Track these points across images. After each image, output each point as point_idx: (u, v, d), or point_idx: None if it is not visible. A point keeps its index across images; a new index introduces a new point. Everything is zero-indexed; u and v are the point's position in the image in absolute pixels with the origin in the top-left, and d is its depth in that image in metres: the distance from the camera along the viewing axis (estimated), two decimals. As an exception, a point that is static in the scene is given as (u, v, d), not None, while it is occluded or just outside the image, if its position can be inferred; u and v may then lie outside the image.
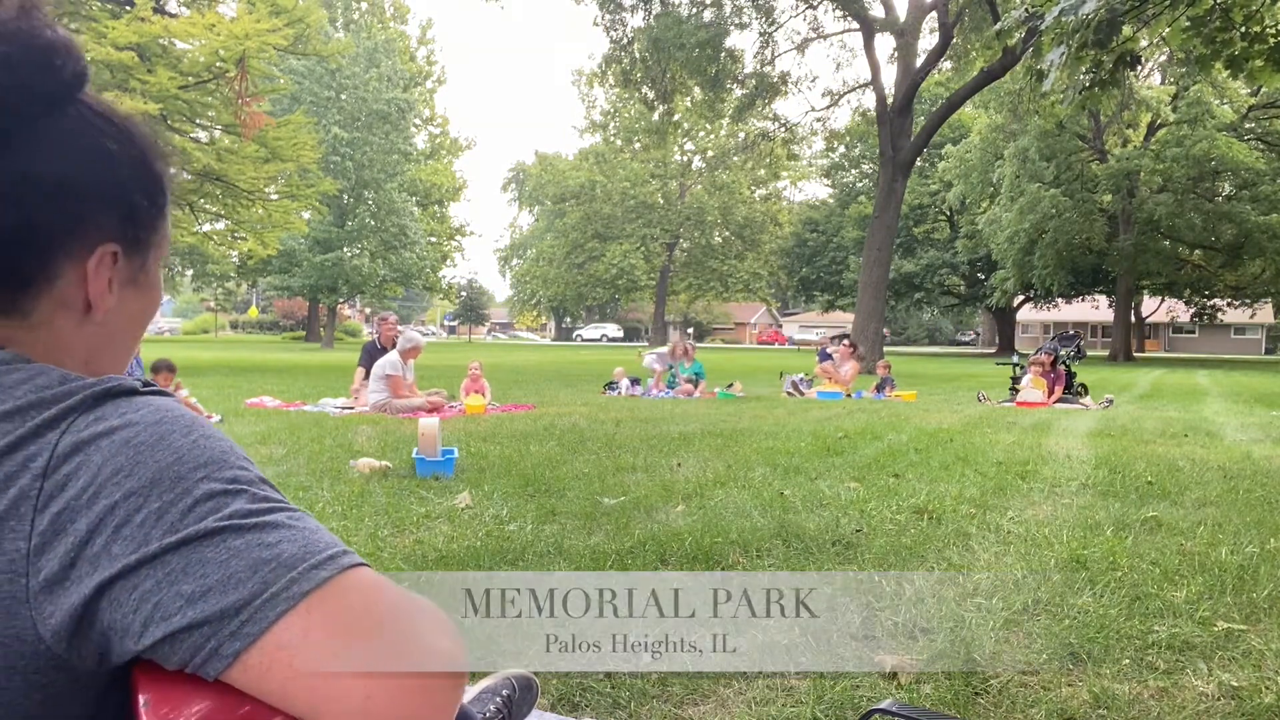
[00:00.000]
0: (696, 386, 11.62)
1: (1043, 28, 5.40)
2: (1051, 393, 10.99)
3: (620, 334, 70.01)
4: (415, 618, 0.59)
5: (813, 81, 57.92)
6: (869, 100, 25.87)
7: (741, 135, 33.50)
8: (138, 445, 0.59)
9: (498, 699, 1.72)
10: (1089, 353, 22.31)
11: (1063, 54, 5.24)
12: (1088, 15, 4.96)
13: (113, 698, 0.60)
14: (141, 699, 0.57)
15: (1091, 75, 5.71)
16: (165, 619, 0.54)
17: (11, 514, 0.56)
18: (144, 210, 0.73)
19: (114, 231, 0.71)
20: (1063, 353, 11.73)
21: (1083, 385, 11.65)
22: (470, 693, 1.78)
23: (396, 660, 0.56)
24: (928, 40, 23.84)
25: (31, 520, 0.56)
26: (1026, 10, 5.79)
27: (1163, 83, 31.72)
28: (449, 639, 0.60)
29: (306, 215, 23.28)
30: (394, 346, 8.98)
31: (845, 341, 13.52)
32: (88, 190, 0.69)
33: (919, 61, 23.13)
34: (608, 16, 23.88)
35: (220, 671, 0.55)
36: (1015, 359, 13.03)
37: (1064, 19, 5.09)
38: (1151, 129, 32.66)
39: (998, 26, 6.46)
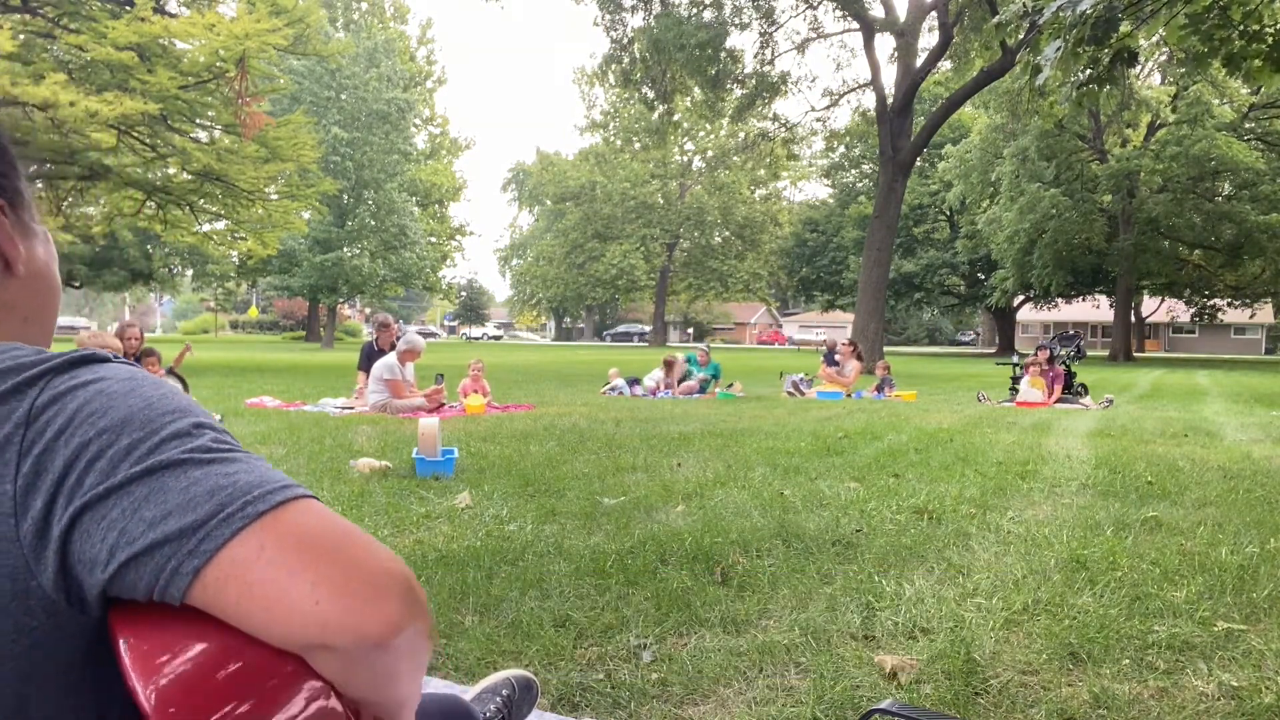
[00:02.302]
0: (706, 390, 11.68)
1: (1040, 23, 5.41)
2: (1051, 392, 10.99)
3: (499, 332, 74.15)
4: (365, 540, 0.62)
5: (813, 81, 57.97)
6: (869, 100, 25.89)
7: (741, 135, 33.52)
8: (111, 393, 0.62)
9: (498, 699, 1.73)
10: (1089, 353, 22.32)
11: (1059, 49, 5.24)
12: (1084, 11, 4.96)
13: (104, 655, 0.61)
14: (121, 643, 0.57)
15: (1089, 72, 5.70)
16: (129, 543, 0.57)
17: None
18: (3, 166, 0.74)
19: None
20: (1061, 352, 11.73)
21: (1083, 385, 11.65)
22: (470, 692, 1.78)
23: (348, 570, 0.58)
24: (928, 40, 23.86)
25: (17, 465, 0.58)
26: (1025, 6, 5.79)
27: (1162, 83, 31.72)
28: (397, 564, 0.62)
29: (306, 215, 23.27)
30: (393, 348, 8.96)
31: (847, 341, 13.54)
32: None
33: (919, 61, 23.14)
34: (608, 16, 23.90)
35: (183, 589, 0.57)
36: (1015, 359, 13.03)
37: (1061, 15, 5.09)
38: (1151, 129, 32.66)
39: (996, 20, 6.46)
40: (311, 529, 0.59)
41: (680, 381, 11.67)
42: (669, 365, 11.70)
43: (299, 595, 0.56)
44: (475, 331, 74.57)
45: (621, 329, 71.05)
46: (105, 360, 0.67)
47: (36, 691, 0.59)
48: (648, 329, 71.25)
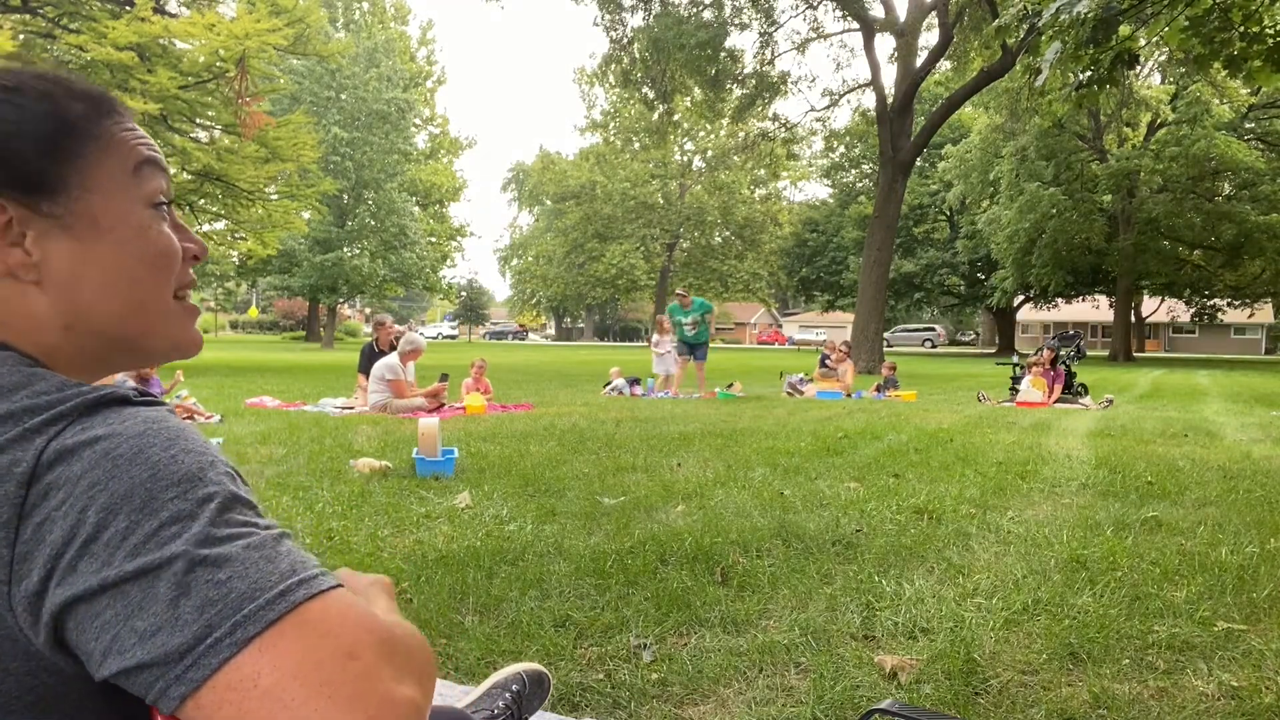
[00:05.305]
0: (704, 321, 11.99)
1: (1040, 24, 5.41)
2: (1051, 392, 10.99)
3: (454, 333, 72.16)
4: (376, 656, 0.56)
5: (813, 81, 57.81)
6: (869, 100, 25.86)
7: (741, 135, 33.46)
8: (115, 458, 0.58)
9: (507, 695, 1.73)
10: (1089, 353, 22.30)
11: (1058, 52, 5.25)
12: (1082, 13, 4.96)
13: (114, 704, 0.60)
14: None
15: (1090, 74, 5.71)
16: (120, 653, 0.54)
17: None
18: (28, 154, 0.67)
19: None
20: (1063, 352, 11.74)
21: (1083, 385, 11.66)
22: (479, 689, 1.78)
23: (347, 708, 0.53)
24: (928, 40, 23.86)
25: (16, 528, 0.56)
26: (1025, 8, 5.81)
27: (1162, 82, 31.70)
28: (412, 685, 0.57)
29: (306, 215, 23.26)
30: (392, 349, 8.97)
31: (839, 344, 13.65)
32: None
33: (919, 61, 23.13)
34: (608, 16, 23.87)
35: (171, 710, 0.54)
36: (1015, 359, 13.05)
37: (1060, 17, 5.10)
38: (1151, 129, 32.65)
39: (997, 23, 6.48)
40: (306, 653, 0.54)
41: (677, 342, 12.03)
42: (660, 323, 12.41)
43: None
44: (430, 330, 69.36)
45: (498, 328, 70.95)
46: (124, 402, 0.63)
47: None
48: (514, 327, 71.46)
